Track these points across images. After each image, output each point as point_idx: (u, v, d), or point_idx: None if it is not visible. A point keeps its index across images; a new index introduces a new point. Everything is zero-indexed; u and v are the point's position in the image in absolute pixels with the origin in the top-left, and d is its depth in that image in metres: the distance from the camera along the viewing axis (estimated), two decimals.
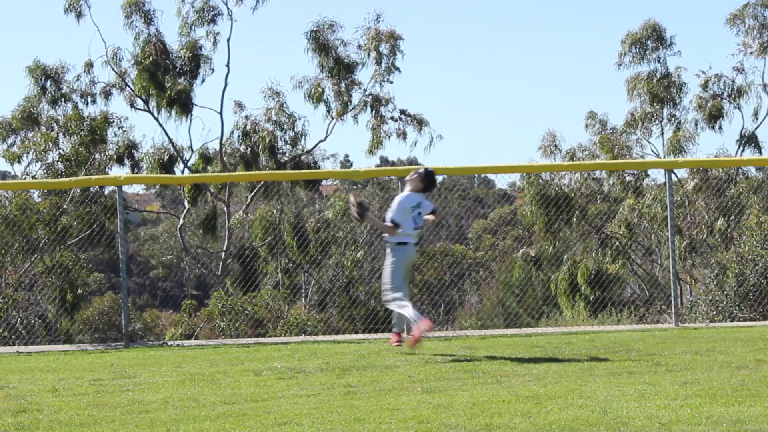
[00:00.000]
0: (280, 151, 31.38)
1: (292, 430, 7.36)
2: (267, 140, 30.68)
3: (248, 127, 31.55)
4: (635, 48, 29.66)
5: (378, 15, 31.37)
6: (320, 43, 31.06)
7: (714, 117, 29.52)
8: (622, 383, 8.97)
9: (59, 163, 23.62)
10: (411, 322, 11.39)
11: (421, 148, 33.70)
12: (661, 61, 29.76)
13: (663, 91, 29.46)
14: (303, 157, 32.07)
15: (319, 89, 31.35)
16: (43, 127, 25.67)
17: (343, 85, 31.33)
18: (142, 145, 31.14)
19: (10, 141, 28.97)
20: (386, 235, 11.73)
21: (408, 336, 11.79)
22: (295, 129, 31.57)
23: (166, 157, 31.04)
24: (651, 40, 29.62)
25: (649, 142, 30.16)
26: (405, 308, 11.43)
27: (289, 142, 31.47)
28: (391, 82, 31.75)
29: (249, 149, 31.11)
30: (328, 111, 31.60)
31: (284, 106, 31.57)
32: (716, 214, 24.59)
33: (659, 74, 29.61)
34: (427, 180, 11.96)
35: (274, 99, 31.52)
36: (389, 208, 11.77)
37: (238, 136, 31.70)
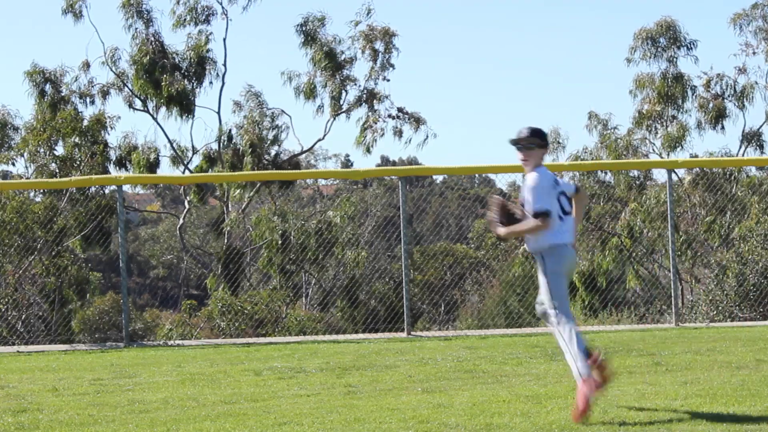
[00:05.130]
0: (266, 152, 31.22)
1: (292, 429, 7.36)
2: (248, 142, 30.61)
3: (233, 131, 31.55)
4: (647, 45, 29.52)
5: (369, 9, 31.23)
6: (308, 35, 30.95)
7: (717, 118, 29.48)
8: (622, 383, 8.96)
9: (53, 163, 23.60)
10: (575, 373, 7.68)
11: (415, 145, 33.38)
12: (672, 61, 29.65)
13: (678, 92, 29.38)
14: (288, 158, 31.92)
15: (311, 84, 31.26)
16: (32, 128, 25.57)
17: (337, 79, 31.26)
18: (144, 148, 31.17)
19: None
20: (530, 242, 8.07)
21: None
22: (277, 127, 31.44)
23: (152, 157, 30.98)
24: (665, 38, 29.50)
25: (652, 142, 30.12)
26: (571, 348, 7.83)
27: (270, 141, 31.31)
28: (388, 80, 31.64)
29: (234, 151, 31.05)
30: (319, 108, 31.48)
31: (264, 105, 31.45)
32: (713, 211, 24.58)
33: (671, 74, 29.49)
34: (543, 137, 8.17)
35: (254, 99, 31.44)
36: (521, 200, 8.15)
37: (223, 140, 31.67)
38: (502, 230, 8.13)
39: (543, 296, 7.99)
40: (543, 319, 8.18)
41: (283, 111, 32.07)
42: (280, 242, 25.95)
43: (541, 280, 7.98)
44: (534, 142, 8.07)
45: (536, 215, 7.88)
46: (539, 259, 8.00)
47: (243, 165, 30.40)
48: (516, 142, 8.13)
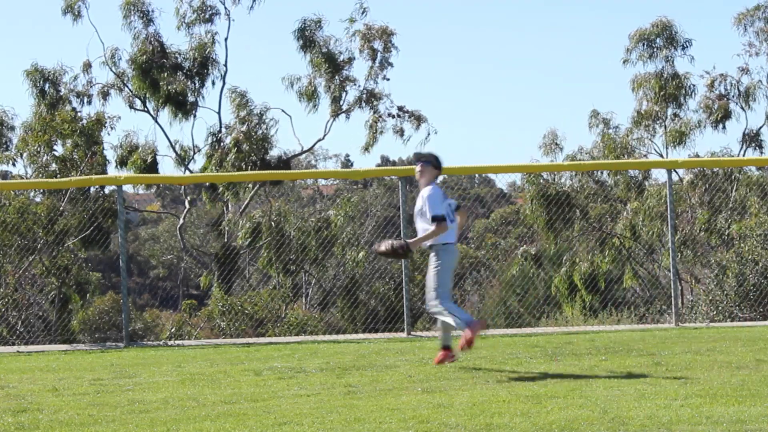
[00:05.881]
0: (256, 149, 31.12)
1: (292, 429, 7.36)
2: (233, 140, 30.60)
3: (222, 131, 31.54)
4: (643, 45, 29.47)
5: (363, 9, 31.19)
6: (307, 39, 30.96)
7: (721, 118, 29.42)
8: (622, 383, 8.97)
9: (53, 164, 23.57)
10: (461, 326, 10.16)
11: (416, 143, 33.32)
12: (669, 61, 29.58)
13: (674, 91, 29.31)
14: (278, 158, 31.87)
15: (311, 87, 31.26)
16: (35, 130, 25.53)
17: (336, 80, 31.24)
18: (143, 149, 31.19)
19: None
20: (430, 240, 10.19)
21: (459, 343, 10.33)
22: (265, 123, 31.38)
23: (150, 159, 30.98)
24: (661, 38, 29.44)
25: (652, 142, 30.10)
26: (453, 316, 10.17)
27: (260, 139, 31.21)
28: (388, 79, 31.62)
29: (221, 150, 31.04)
30: (315, 106, 31.46)
31: (250, 104, 31.42)
32: (711, 211, 24.57)
33: (667, 74, 29.43)
34: (438, 162, 10.51)
35: (240, 99, 31.40)
36: (417, 210, 10.32)
37: (212, 141, 31.65)
38: (411, 241, 10.28)
39: (430, 285, 10.23)
40: (434, 314, 10.38)
41: (282, 110, 32.16)
42: (250, 240, 25.97)
43: (432, 272, 10.21)
44: (430, 160, 10.44)
45: (434, 219, 10.08)
46: (435, 254, 10.18)
47: (226, 162, 30.35)
48: (419, 156, 10.51)
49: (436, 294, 10.19)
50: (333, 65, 30.96)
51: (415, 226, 10.48)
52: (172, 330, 23.06)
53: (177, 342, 15.73)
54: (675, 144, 29.26)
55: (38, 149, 23.55)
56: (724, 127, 29.76)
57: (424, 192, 10.27)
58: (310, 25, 30.99)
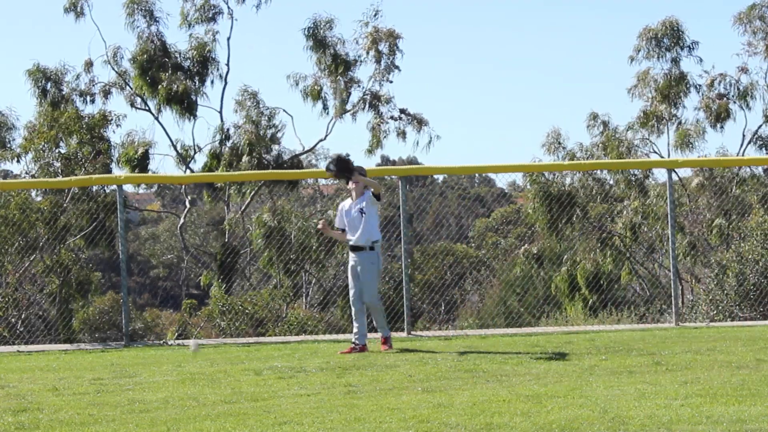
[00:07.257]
0: (264, 150, 31.06)
1: (292, 429, 7.36)
2: (246, 141, 30.54)
3: (230, 130, 31.51)
4: (651, 44, 29.40)
5: (376, 11, 31.20)
6: (317, 39, 30.98)
7: (721, 118, 29.33)
8: (622, 383, 8.97)
9: (57, 161, 23.54)
10: (384, 332, 12.05)
11: (421, 148, 33.20)
12: (675, 61, 29.52)
13: (683, 91, 29.24)
14: (290, 158, 31.81)
15: (317, 87, 31.27)
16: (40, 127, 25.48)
17: (341, 82, 31.22)
18: (138, 141, 31.12)
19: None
20: (370, 240, 11.91)
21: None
22: (275, 126, 31.34)
23: (140, 151, 30.86)
24: (667, 38, 29.38)
25: (652, 142, 30.05)
26: (383, 316, 12.02)
27: (268, 140, 31.14)
28: (391, 82, 31.59)
29: (231, 150, 30.97)
30: (324, 108, 31.46)
31: (261, 104, 31.36)
32: (717, 212, 24.54)
33: (674, 74, 29.37)
34: (362, 169, 12.45)
35: (251, 99, 31.33)
36: (371, 211, 12.04)
37: (220, 139, 31.59)
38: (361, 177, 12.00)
39: (369, 286, 11.71)
40: (369, 306, 11.87)
41: (283, 110, 32.08)
42: (261, 242, 25.93)
43: (371, 272, 11.73)
44: (362, 171, 12.20)
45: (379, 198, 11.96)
46: (372, 254, 11.82)
47: (240, 164, 30.31)
48: (353, 170, 12.10)
49: (378, 296, 12.00)
50: (343, 66, 30.97)
51: (353, 222, 12.00)
52: (178, 331, 23.05)
53: (177, 341, 15.73)
54: (682, 148, 29.15)
55: (43, 148, 23.53)
56: (722, 127, 29.70)
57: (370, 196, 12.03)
58: (320, 24, 30.99)
